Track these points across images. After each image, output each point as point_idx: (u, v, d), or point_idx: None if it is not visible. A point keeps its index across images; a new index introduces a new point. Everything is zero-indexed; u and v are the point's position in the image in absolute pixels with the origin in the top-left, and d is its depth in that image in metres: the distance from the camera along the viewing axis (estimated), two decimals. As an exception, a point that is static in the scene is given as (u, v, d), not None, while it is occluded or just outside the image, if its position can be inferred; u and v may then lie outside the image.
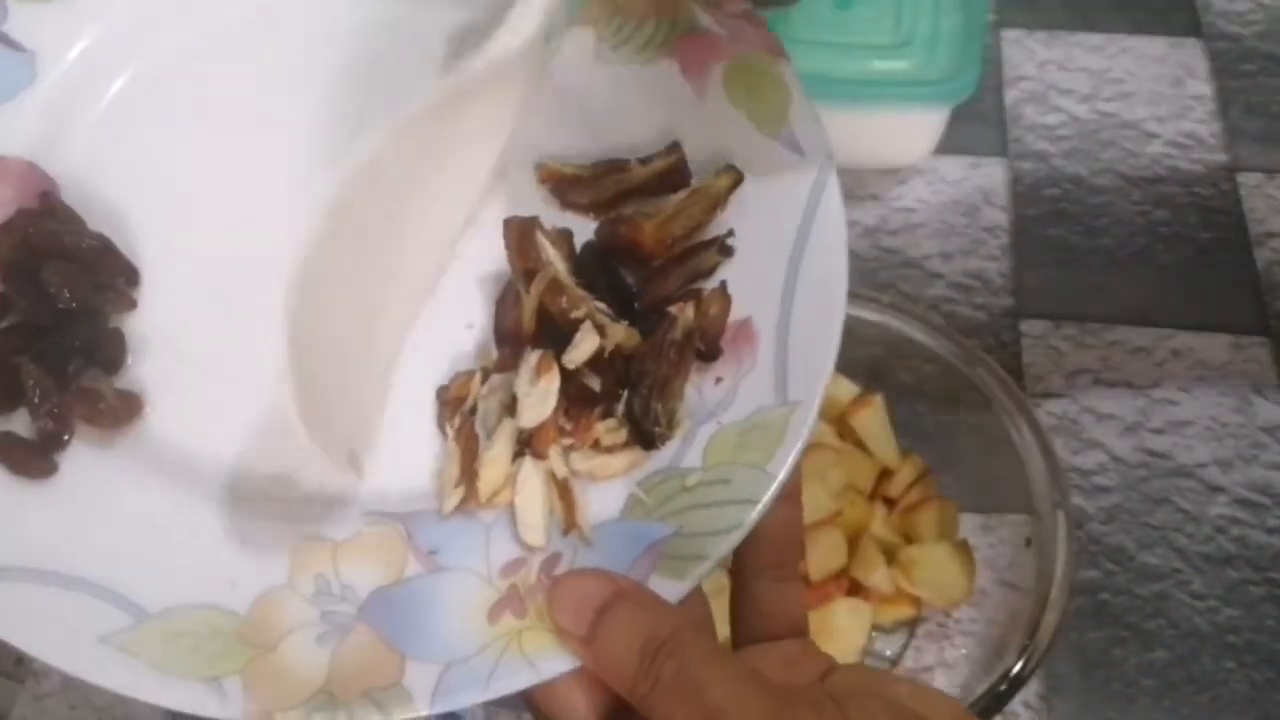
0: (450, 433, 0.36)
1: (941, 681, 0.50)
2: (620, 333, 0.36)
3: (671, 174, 0.40)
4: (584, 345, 0.35)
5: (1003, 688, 0.46)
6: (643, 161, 0.40)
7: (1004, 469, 0.52)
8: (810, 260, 0.37)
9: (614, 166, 0.40)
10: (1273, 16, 0.79)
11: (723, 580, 0.39)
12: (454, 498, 0.35)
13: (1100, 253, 0.68)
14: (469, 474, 0.35)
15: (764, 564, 0.37)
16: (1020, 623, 0.48)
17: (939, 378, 0.55)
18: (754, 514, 0.34)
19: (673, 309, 0.36)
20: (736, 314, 0.38)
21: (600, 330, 0.36)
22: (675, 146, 0.40)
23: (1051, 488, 0.50)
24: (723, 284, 0.38)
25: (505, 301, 0.38)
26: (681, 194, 0.39)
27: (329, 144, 0.40)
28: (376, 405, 0.36)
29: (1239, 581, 0.56)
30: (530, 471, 0.35)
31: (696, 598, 0.35)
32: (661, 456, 0.35)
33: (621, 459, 0.35)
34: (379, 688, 0.31)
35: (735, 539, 0.33)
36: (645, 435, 0.35)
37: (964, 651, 0.51)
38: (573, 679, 0.32)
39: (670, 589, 0.32)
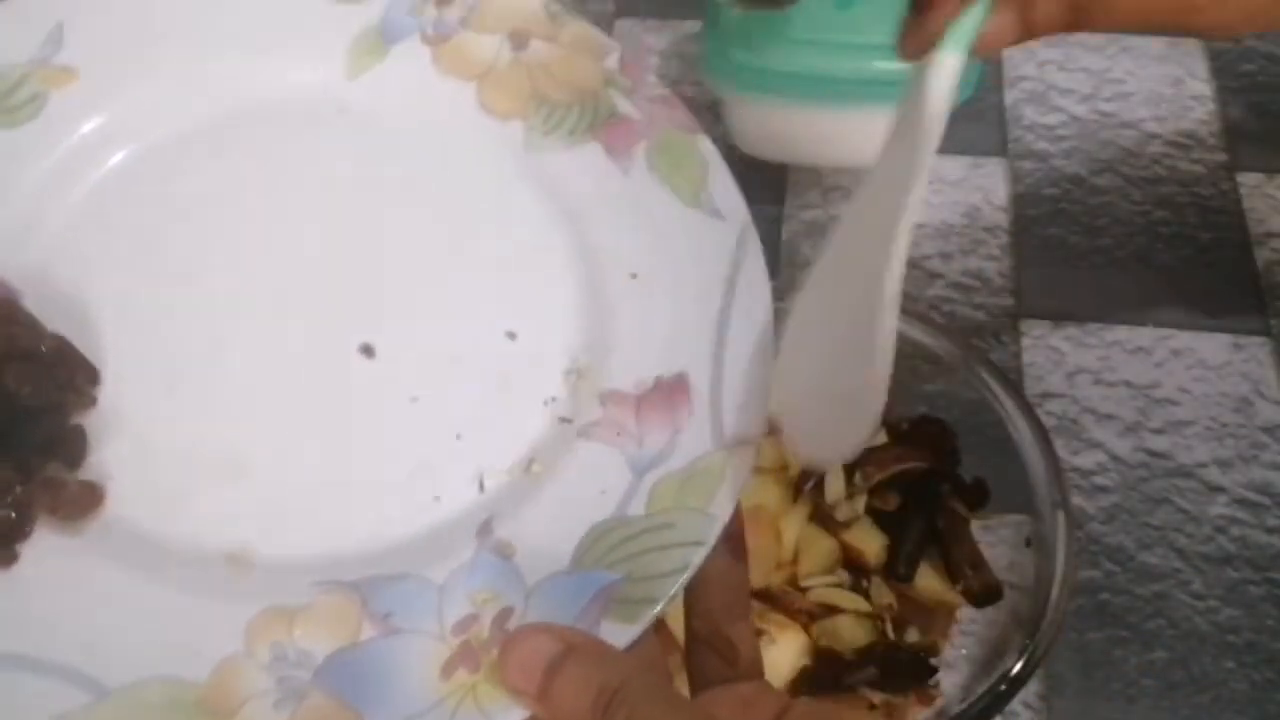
0: None
1: (941, 681, 0.50)
2: None
3: None
4: None
5: (1003, 688, 0.46)
6: None
7: (1004, 469, 0.52)
8: (738, 314, 0.41)
9: None
10: (1273, 16, 0.79)
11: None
12: None
13: (1100, 253, 0.68)
14: None
15: (714, 607, 0.38)
16: (1020, 623, 0.48)
17: (939, 378, 0.55)
18: (699, 555, 0.35)
19: None
20: (672, 368, 0.40)
21: None
22: None
23: (1051, 488, 0.50)
24: None
25: None
26: None
27: (281, 245, 0.43)
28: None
29: (1239, 581, 0.55)
30: None
31: (649, 643, 0.36)
32: (607, 507, 0.37)
33: None
34: None
35: (682, 580, 0.35)
36: None
37: (964, 651, 0.51)
38: None
39: (621, 633, 0.34)
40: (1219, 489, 0.58)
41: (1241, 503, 0.58)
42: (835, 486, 0.52)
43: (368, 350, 0.41)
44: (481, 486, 0.38)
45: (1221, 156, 0.72)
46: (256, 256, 0.43)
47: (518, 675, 0.33)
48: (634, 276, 0.43)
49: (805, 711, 0.34)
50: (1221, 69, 0.76)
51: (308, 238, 0.43)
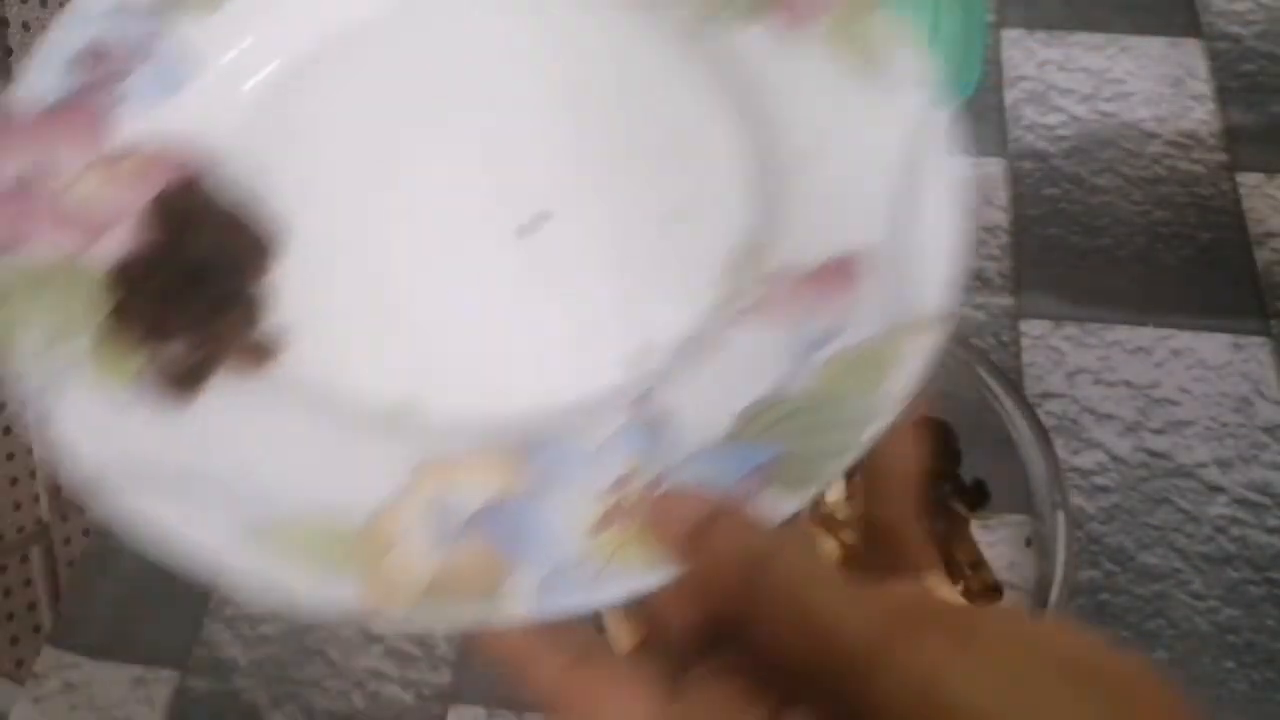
0: None
1: (941, 681, 0.50)
2: None
3: None
4: None
5: (1003, 688, 0.46)
6: None
7: (1004, 469, 0.52)
8: (920, 189, 0.39)
9: None
10: (1273, 16, 0.79)
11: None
12: None
13: (1100, 253, 0.68)
14: None
15: (881, 498, 0.37)
16: (1020, 623, 0.48)
17: (939, 378, 0.55)
18: (864, 436, 0.34)
19: None
20: (846, 246, 0.39)
21: None
22: None
23: (1051, 488, 0.50)
24: None
25: None
26: None
27: (453, 124, 0.45)
28: None
29: (1239, 581, 0.56)
30: None
31: (802, 525, 0.35)
32: (770, 383, 0.36)
33: None
34: (484, 588, 0.33)
35: (844, 461, 0.34)
36: None
37: (964, 651, 0.51)
38: (677, 588, 0.32)
39: (778, 506, 0.33)
40: (1219, 489, 0.58)
41: (1241, 503, 0.58)
42: (835, 486, 0.52)
43: (538, 222, 0.42)
44: (642, 360, 0.39)
45: (1221, 156, 0.72)
46: (430, 135, 0.44)
47: (669, 530, 0.33)
48: (807, 154, 0.42)
49: (980, 611, 0.32)
50: (1221, 69, 0.76)
51: (479, 117, 0.45)
